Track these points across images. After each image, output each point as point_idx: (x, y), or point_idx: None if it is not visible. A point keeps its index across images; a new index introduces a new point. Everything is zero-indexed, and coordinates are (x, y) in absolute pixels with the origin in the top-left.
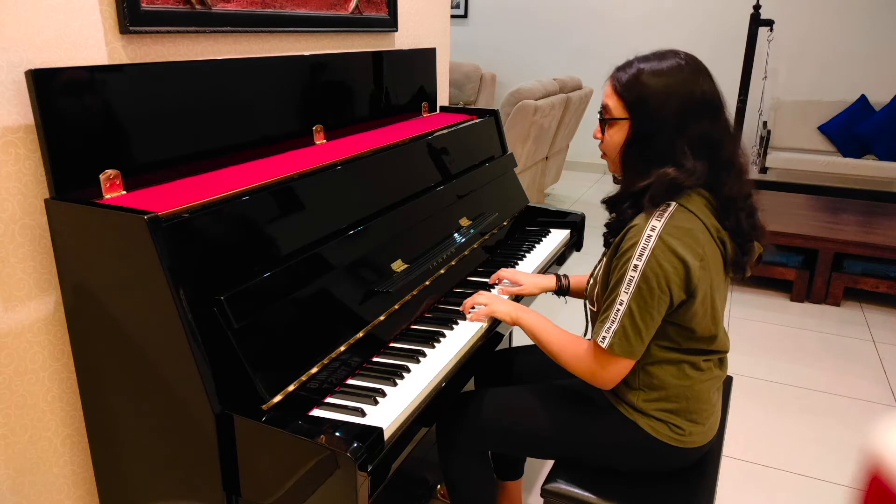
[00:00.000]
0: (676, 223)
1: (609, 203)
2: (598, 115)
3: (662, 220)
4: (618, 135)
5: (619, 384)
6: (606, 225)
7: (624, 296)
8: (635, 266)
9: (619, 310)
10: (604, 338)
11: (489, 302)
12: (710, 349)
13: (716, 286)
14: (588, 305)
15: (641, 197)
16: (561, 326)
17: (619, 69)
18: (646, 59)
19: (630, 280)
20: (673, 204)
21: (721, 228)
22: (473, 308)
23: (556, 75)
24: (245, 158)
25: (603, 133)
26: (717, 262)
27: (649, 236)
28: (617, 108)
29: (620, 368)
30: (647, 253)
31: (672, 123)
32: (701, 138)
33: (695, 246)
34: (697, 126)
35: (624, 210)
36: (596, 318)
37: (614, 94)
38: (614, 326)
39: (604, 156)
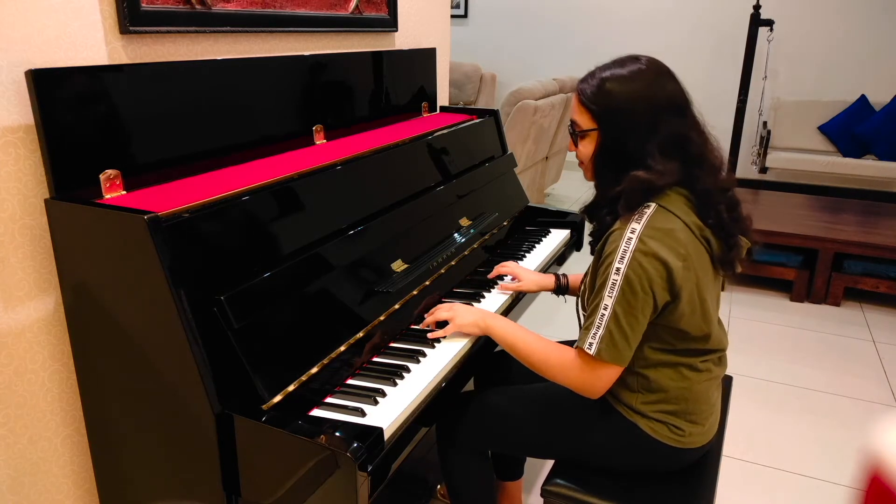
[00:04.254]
0: (655, 224)
1: (587, 212)
2: (569, 130)
3: (641, 223)
4: (589, 146)
5: (618, 386)
6: (591, 234)
7: (608, 300)
8: (617, 269)
9: (604, 314)
10: (590, 344)
11: (452, 316)
12: (707, 349)
13: (704, 285)
14: (581, 311)
15: (617, 203)
16: (556, 327)
17: (582, 81)
18: (606, 67)
19: (613, 284)
20: (652, 205)
21: (704, 226)
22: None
23: (556, 75)
24: (245, 158)
25: (576, 146)
26: (702, 260)
27: (629, 239)
28: (585, 121)
29: (610, 375)
30: (628, 256)
31: (640, 128)
32: (669, 138)
33: (676, 246)
34: (665, 127)
35: (603, 217)
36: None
37: (581, 106)
38: (600, 332)
39: (581, 165)
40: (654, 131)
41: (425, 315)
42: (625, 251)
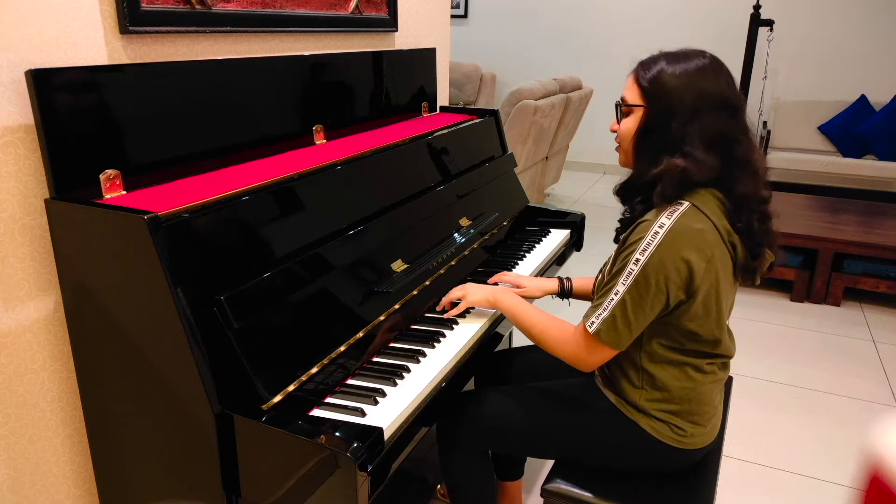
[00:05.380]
0: (686, 223)
1: (620, 192)
2: (616, 106)
3: (672, 219)
4: (632, 122)
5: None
6: (619, 220)
7: (621, 287)
8: (637, 260)
9: (613, 299)
10: (592, 322)
11: (464, 294)
12: (715, 353)
13: (722, 289)
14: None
15: (652, 189)
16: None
17: (643, 63)
18: (670, 53)
19: (630, 272)
20: (686, 203)
21: (732, 231)
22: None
23: (556, 75)
24: (245, 158)
25: (618, 122)
26: (725, 265)
27: (656, 233)
28: (634, 97)
29: (604, 355)
30: (650, 249)
31: (685, 112)
32: (714, 132)
33: (703, 247)
34: (711, 119)
35: (635, 206)
36: None
37: (635, 84)
38: (605, 314)
39: (618, 148)
40: (697, 118)
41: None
42: (648, 244)
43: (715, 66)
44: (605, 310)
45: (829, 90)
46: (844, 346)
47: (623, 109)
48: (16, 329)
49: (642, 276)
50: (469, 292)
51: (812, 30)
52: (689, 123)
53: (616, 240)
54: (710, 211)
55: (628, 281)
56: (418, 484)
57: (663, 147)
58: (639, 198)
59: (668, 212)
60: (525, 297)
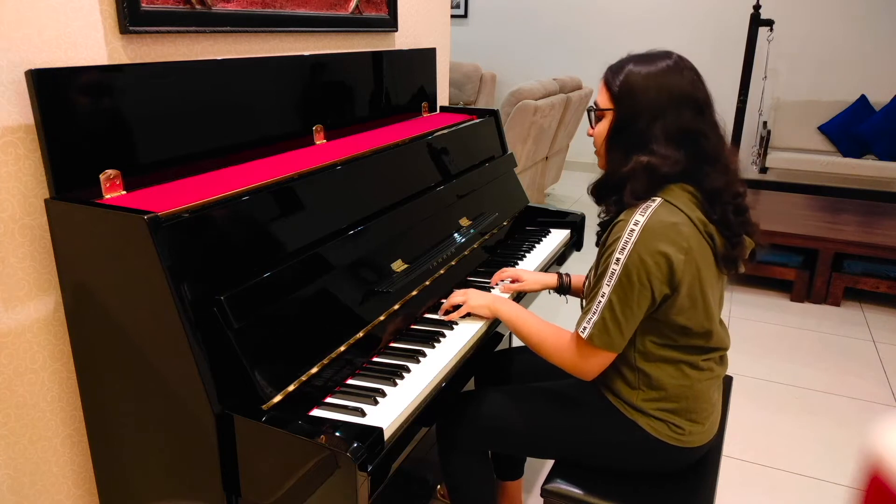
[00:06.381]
0: (659, 218)
1: (594, 191)
2: (587, 112)
3: (646, 216)
4: (604, 125)
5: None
6: (598, 224)
7: (606, 288)
8: (617, 259)
9: (600, 301)
10: (584, 328)
11: (465, 299)
12: (709, 346)
13: (706, 280)
14: (584, 304)
15: (623, 188)
16: (554, 323)
17: (612, 67)
18: (636, 55)
19: (612, 273)
20: (657, 199)
21: (708, 222)
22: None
23: (556, 75)
24: (245, 158)
25: (592, 126)
26: (705, 255)
27: (632, 231)
28: (604, 101)
29: (601, 360)
30: (628, 247)
31: (651, 111)
32: (680, 128)
33: (679, 240)
34: (676, 116)
35: (609, 204)
36: None
37: (604, 88)
38: (595, 318)
39: (596, 152)
40: (664, 117)
41: (443, 301)
42: (626, 242)
43: (680, 65)
44: (594, 314)
45: (829, 90)
46: (844, 346)
47: (596, 114)
48: (16, 329)
49: (624, 275)
50: (470, 297)
51: (812, 30)
52: (654, 122)
53: (598, 243)
54: (682, 204)
55: (612, 281)
56: (418, 484)
57: (631, 146)
58: (613, 197)
59: (640, 209)
60: (524, 291)
